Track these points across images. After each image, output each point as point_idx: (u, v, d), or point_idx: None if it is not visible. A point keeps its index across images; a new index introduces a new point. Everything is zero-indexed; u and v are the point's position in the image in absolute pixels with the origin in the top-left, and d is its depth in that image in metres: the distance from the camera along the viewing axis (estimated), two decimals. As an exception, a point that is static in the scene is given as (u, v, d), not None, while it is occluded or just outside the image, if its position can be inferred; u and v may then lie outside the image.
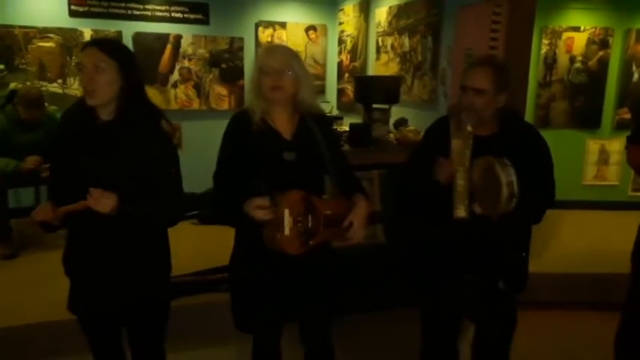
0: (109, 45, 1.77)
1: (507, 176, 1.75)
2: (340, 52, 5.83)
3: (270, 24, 5.63)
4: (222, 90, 5.55)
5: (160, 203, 1.78)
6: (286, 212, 1.77)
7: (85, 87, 1.70)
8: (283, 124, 1.94)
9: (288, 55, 1.93)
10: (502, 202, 1.76)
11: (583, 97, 5.13)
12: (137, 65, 1.80)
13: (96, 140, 1.73)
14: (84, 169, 1.71)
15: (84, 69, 1.71)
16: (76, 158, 1.73)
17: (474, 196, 1.90)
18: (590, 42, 5.06)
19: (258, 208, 1.76)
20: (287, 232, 1.78)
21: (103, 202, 1.65)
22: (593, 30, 5.05)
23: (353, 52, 5.51)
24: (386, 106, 4.00)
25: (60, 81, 4.95)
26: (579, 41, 5.05)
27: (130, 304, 1.85)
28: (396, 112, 4.17)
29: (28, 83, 4.69)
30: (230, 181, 1.90)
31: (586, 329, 3.24)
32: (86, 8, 4.96)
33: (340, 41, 5.81)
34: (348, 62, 5.64)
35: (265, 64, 1.88)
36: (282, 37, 5.66)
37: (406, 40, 4.49)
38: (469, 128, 1.93)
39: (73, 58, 4.91)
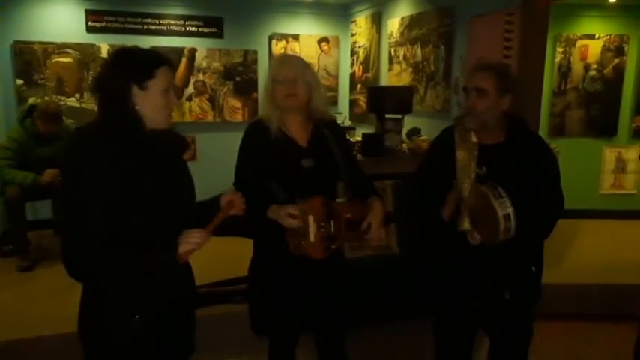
0: None
1: (503, 209, 1.72)
2: (353, 64, 5.86)
3: (284, 36, 5.68)
4: (236, 102, 5.60)
5: None
6: (310, 219, 1.83)
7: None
8: (298, 131, 1.98)
9: (300, 64, 1.98)
10: (499, 234, 1.74)
11: (598, 105, 5.08)
12: None
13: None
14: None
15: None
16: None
17: (472, 222, 1.87)
18: (605, 49, 5.02)
19: (290, 217, 1.82)
20: (312, 238, 1.84)
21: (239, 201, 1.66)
22: (607, 37, 5.01)
23: (365, 63, 5.53)
24: (399, 116, 4.01)
25: (77, 95, 5.03)
26: (594, 49, 5.01)
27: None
28: (409, 122, 4.17)
29: (46, 98, 4.78)
30: (250, 190, 1.91)
31: (604, 340, 3.17)
32: (103, 24, 5.06)
33: (353, 52, 5.84)
34: (360, 73, 5.67)
35: (279, 73, 1.93)
36: (295, 50, 5.70)
37: (418, 51, 4.50)
38: (474, 139, 1.91)
39: (90, 72, 5.00)
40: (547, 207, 1.93)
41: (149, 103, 1.48)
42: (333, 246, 1.91)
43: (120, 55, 1.52)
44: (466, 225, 1.87)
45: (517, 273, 1.99)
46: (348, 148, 2.19)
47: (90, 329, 1.57)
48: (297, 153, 1.95)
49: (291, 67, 1.94)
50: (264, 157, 1.93)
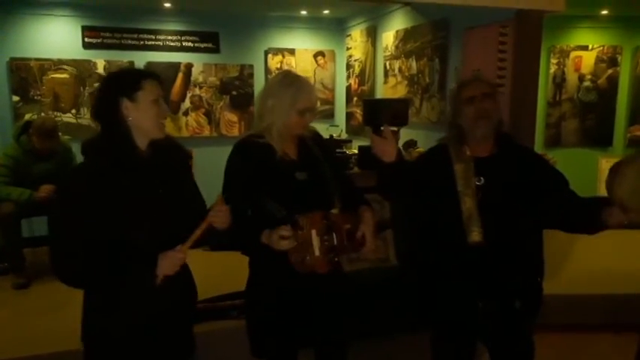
0: None
1: None
2: (348, 77, 5.89)
3: (280, 51, 5.71)
4: (232, 117, 5.61)
5: None
6: (314, 233, 1.82)
7: None
8: (287, 145, 1.97)
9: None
10: None
11: (594, 116, 5.11)
12: None
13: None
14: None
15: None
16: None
17: (624, 207, 1.76)
18: (598, 60, 5.06)
19: (282, 239, 1.77)
20: (317, 252, 1.83)
21: (223, 214, 1.68)
22: (601, 48, 5.05)
23: (361, 76, 5.55)
24: (395, 129, 4.00)
25: (74, 111, 5.03)
26: (588, 60, 5.06)
27: None
28: (405, 134, 4.18)
29: (42, 114, 4.78)
30: (244, 211, 1.89)
31: (604, 351, 3.15)
32: (99, 40, 5.08)
33: (348, 66, 5.87)
34: (356, 86, 5.69)
35: (312, 103, 1.91)
36: (292, 64, 5.73)
37: (413, 63, 4.52)
38: (467, 152, 1.93)
39: (87, 88, 5.01)
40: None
41: (141, 113, 1.59)
42: (336, 258, 1.91)
43: (108, 76, 1.71)
44: (477, 236, 1.86)
45: (525, 284, 1.99)
46: (334, 158, 2.19)
47: (90, 333, 1.66)
48: (290, 166, 1.93)
49: (315, 92, 1.95)
50: (259, 174, 1.89)
